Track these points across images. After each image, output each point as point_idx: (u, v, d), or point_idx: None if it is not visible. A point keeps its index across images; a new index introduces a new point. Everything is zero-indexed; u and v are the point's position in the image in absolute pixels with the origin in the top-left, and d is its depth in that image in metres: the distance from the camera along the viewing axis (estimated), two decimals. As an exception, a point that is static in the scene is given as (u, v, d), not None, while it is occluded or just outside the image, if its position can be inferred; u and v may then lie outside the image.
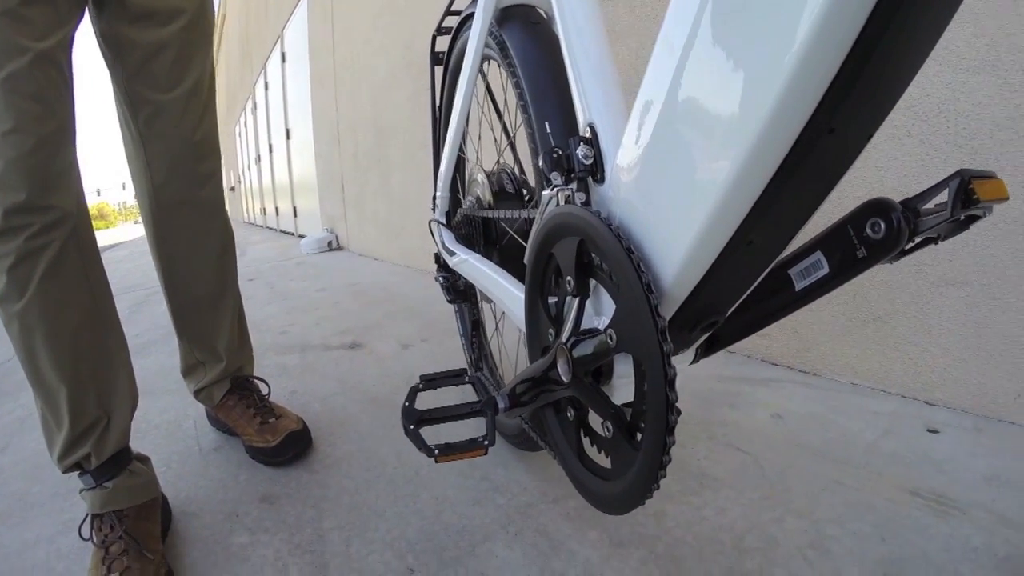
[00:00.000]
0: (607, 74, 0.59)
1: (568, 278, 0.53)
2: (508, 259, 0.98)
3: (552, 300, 0.62)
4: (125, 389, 1.00)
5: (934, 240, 0.43)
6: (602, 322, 0.52)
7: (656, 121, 0.44)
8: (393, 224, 3.64)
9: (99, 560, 0.87)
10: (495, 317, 1.25)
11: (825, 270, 0.44)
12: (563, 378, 0.54)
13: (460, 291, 1.16)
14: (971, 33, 1.08)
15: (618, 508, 0.52)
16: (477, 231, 1.03)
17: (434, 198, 1.15)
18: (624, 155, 0.49)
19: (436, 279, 1.22)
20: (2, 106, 0.78)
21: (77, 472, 0.95)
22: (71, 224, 0.88)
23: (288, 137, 6.08)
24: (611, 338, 0.48)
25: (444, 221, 1.11)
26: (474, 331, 1.18)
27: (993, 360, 1.16)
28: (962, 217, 0.41)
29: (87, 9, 0.93)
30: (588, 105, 0.58)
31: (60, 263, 0.88)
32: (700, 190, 0.41)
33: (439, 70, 1.19)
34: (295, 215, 6.21)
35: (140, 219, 1.15)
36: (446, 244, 1.07)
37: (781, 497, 1.01)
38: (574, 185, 0.54)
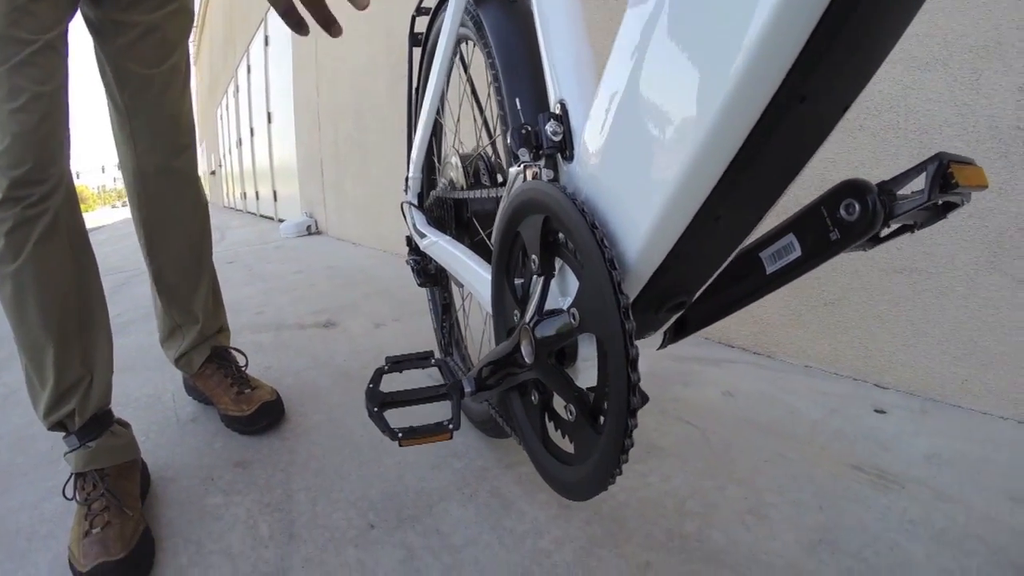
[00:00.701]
0: (580, 50, 0.54)
1: (533, 256, 0.49)
2: (479, 243, 0.94)
3: (519, 282, 0.57)
4: (105, 351, 1.02)
5: (910, 228, 0.40)
6: (566, 302, 0.48)
7: (622, 90, 0.40)
8: (371, 210, 3.57)
9: (81, 516, 0.89)
10: (462, 299, 1.21)
11: (797, 253, 0.41)
12: (526, 360, 0.50)
13: (431, 275, 1.11)
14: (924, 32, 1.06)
15: (580, 494, 0.48)
16: (449, 214, 0.98)
17: (406, 179, 1.09)
18: (591, 128, 0.45)
19: (407, 262, 1.16)
20: (11, 89, 0.83)
21: (62, 434, 0.97)
22: (63, 193, 0.92)
23: (269, 121, 5.91)
24: (574, 317, 0.44)
25: (416, 203, 1.06)
26: (444, 314, 1.14)
27: (940, 346, 1.15)
28: (940, 203, 0.37)
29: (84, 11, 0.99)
30: (559, 81, 0.53)
31: (53, 229, 0.91)
32: (665, 161, 0.37)
33: (417, 52, 1.15)
34: (275, 199, 6.06)
35: (123, 199, 1.11)
36: (417, 226, 1.02)
37: (724, 467, 1.01)
38: (542, 162, 0.49)
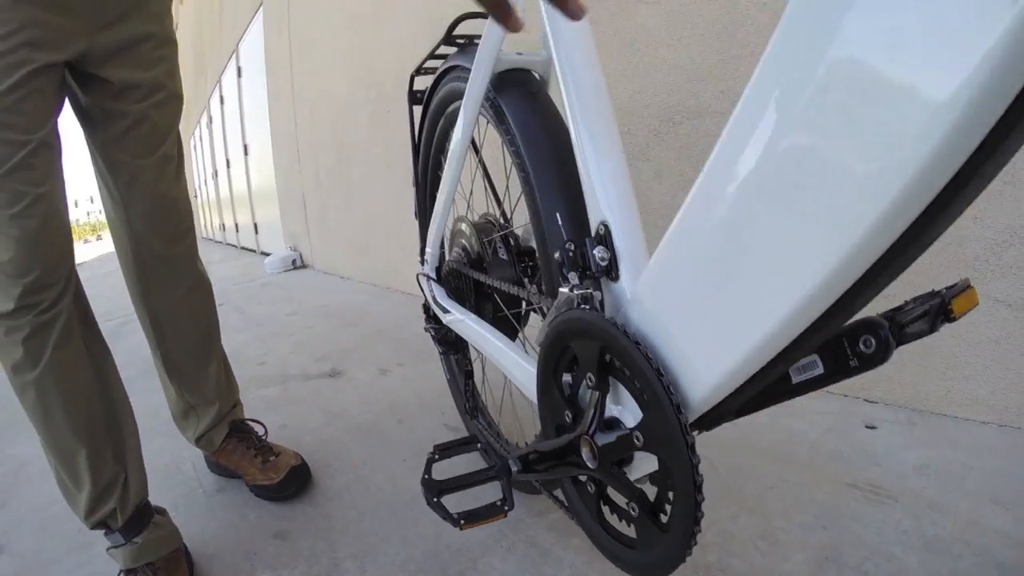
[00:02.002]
0: (619, 170, 0.59)
1: (589, 374, 0.55)
2: (501, 317, 1.00)
3: (565, 378, 0.63)
4: (135, 445, 1.03)
5: None
6: (622, 414, 0.54)
7: (707, 243, 0.43)
8: (358, 243, 3.57)
9: None
10: (482, 364, 1.24)
11: (820, 370, 0.47)
12: (589, 464, 0.55)
13: (451, 342, 1.15)
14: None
15: (648, 575, 0.54)
16: (467, 286, 1.03)
17: (423, 252, 1.13)
18: (658, 270, 0.49)
19: (426, 330, 1.21)
20: (10, 194, 0.81)
21: (103, 531, 0.97)
22: (72, 291, 0.92)
23: (246, 153, 5.86)
24: (638, 439, 0.50)
25: (435, 276, 1.10)
26: (468, 380, 1.18)
27: (925, 360, 1.24)
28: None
29: (70, 88, 0.96)
30: (600, 202, 0.58)
31: (68, 332, 0.91)
32: (754, 318, 0.40)
33: (417, 110, 1.19)
34: (256, 232, 6.00)
35: (97, 233, 1.12)
36: (439, 300, 1.07)
37: (734, 496, 1.08)
38: (589, 283, 0.55)
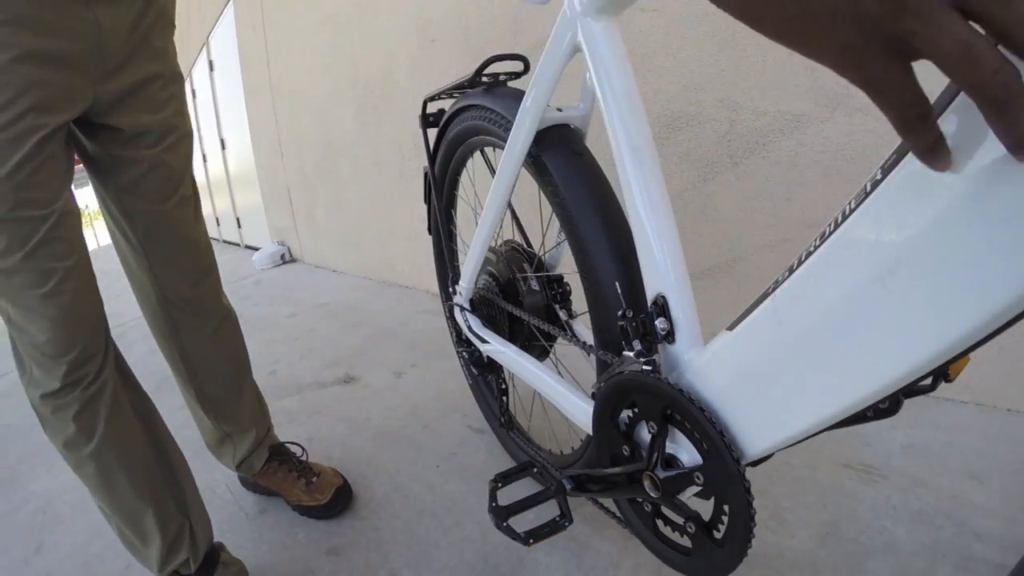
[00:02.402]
0: (672, 241, 0.67)
1: (651, 423, 0.65)
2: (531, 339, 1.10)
3: (622, 415, 0.73)
4: (193, 491, 1.06)
5: None
6: (678, 452, 0.65)
7: (788, 339, 0.51)
8: (349, 238, 3.61)
9: None
10: (512, 382, 1.32)
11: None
12: (652, 494, 0.67)
13: (485, 364, 1.22)
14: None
15: None
16: (502, 315, 1.13)
17: (452, 284, 1.21)
18: (733, 350, 0.57)
19: (460, 354, 1.28)
20: (39, 274, 0.79)
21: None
22: (112, 355, 0.92)
23: (223, 147, 5.78)
24: (698, 480, 0.62)
25: (469, 308, 1.19)
26: (503, 397, 1.26)
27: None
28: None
29: (75, 137, 0.92)
30: (658, 274, 0.67)
31: (116, 399, 0.91)
32: (809, 410, 0.50)
33: (431, 132, 1.25)
34: (239, 226, 5.96)
35: (144, 319, 1.13)
36: (475, 330, 1.15)
37: None
38: (649, 347, 0.66)
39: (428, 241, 1.54)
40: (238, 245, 6.11)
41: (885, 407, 0.54)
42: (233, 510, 1.36)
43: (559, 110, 0.88)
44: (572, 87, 0.93)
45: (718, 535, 0.65)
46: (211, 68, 5.52)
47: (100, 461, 0.90)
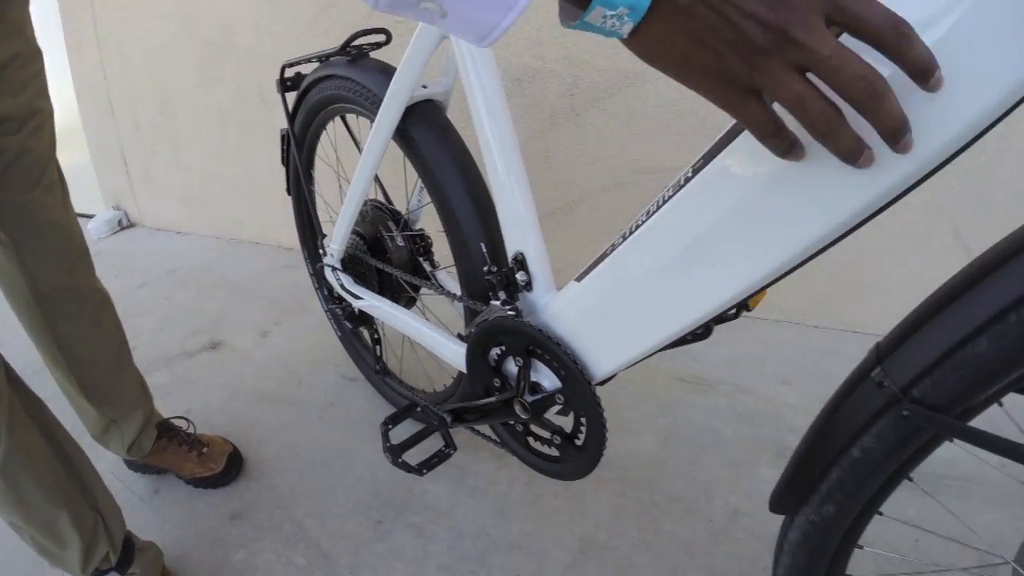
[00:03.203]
0: (528, 206, 0.79)
1: (517, 358, 0.78)
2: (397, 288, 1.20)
3: (491, 354, 0.85)
4: (100, 482, 1.04)
5: None
6: (540, 379, 0.80)
7: (628, 283, 0.63)
8: (193, 197, 3.39)
9: None
10: (383, 331, 1.40)
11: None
12: (523, 416, 0.80)
13: (358, 317, 1.30)
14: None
15: (569, 478, 0.84)
16: (371, 272, 1.20)
17: (324, 246, 1.26)
18: (583, 294, 0.70)
19: (332, 310, 1.33)
20: None
21: None
22: (2, 364, 0.89)
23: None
24: (559, 400, 0.76)
25: (341, 267, 1.25)
26: (377, 346, 1.34)
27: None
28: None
29: None
30: (516, 236, 0.79)
31: (13, 409, 0.88)
32: (650, 334, 0.63)
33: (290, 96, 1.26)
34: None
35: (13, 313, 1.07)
36: (348, 288, 1.22)
37: None
38: (512, 296, 0.78)
39: (278, 195, 1.55)
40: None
41: (700, 333, 0.70)
42: (126, 496, 1.33)
43: (424, 87, 0.97)
44: (433, 64, 1.00)
45: (579, 443, 0.81)
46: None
47: (7, 475, 0.87)
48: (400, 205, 1.26)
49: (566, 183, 1.78)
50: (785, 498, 0.64)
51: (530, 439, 0.88)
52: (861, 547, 0.64)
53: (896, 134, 0.37)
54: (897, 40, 0.35)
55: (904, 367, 0.51)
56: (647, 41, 0.40)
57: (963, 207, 1.41)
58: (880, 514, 0.61)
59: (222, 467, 1.29)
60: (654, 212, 0.59)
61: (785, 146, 0.41)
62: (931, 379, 0.49)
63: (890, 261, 1.52)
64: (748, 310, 0.70)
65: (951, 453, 1.23)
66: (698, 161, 0.55)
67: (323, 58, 1.16)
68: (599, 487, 1.20)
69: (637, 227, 0.62)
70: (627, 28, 0.39)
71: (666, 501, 1.17)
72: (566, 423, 0.82)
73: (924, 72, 0.36)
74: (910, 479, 0.58)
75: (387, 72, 0.99)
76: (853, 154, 0.39)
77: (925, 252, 1.48)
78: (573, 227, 1.83)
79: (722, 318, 0.69)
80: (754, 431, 1.30)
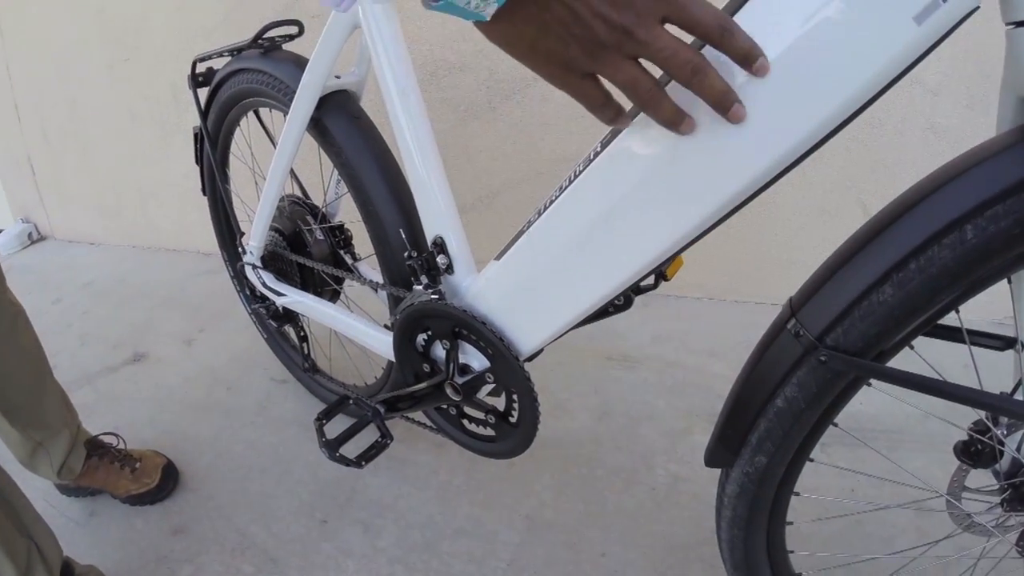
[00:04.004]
0: (444, 190, 0.79)
1: (445, 341, 0.78)
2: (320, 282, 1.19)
3: (418, 340, 0.85)
4: (30, 506, 0.99)
5: None
6: (470, 361, 0.80)
7: (542, 262, 0.65)
8: (106, 205, 3.22)
9: None
10: (310, 329, 1.38)
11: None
12: (455, 399, 0.80)
13: (283, 315, 1.26)
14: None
15: (507, 456, 0.84)
16: (292, 268, 1.18)
17: (244, 244, 1.23)
18: (502, 274, 0.71)
19: (255, 311, 1.30)
20: None
21: None
22: None
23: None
24: (489, 379, 0.77)
25: (261, 265, 1.21)
26: (304, 343, 1.32)
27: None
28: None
29: None
30: (434, 220, 0.79)
31: None
32: (566, 309, 0.65)
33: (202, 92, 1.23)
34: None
35: None
36: (270, 286, 1.19)
37: None
38: (434, 280, 0.78)
39: (194, 199, 1.50)
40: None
41: (621, 303, 0.72)
42: (62, 522, 1.26)
43: (337, 77, 0.95)
44: (347, 53, 0.99)
45: (513, 420, 0.81)
46: None
47: None
48: (317, 199, 1.24)
49: (486, 174, 1.80)
50: (718, 452, 0.66)
51: (465, 421, 0.88)
52: (798, 494, 0.68)
53: (722, 104, 0.43)
54: (721, 34, 0.41)
55: (817, 317, 0.53)
56: (501, 24, 0.44)
57: (869, 182, 1.49)
58: (811, 460, 0.65)
59: (157, 481, 1.25)
60: (566, 187, 0.61)
61: (611, 115, 0.48)
62: (843, 326, 0.51)
63: (802, 235, 1.60)
64: (666, 279, 0.73)
65: (876, 407, 1.35)
66: (606, 136, 0.56)
67: (235, 52, 1.12)
68: (540, 467, 1.22)
69: (551, 203, 0.63)
70: (491, 11, 0.42)
71: (607, 474, 1.19)
72: (499, 402, 0.83)
73: (746, 59, 0.42)
74: (835, 425, 0.61)
75: (300, 64, 0.97)
76: (673, 123, 0.46)
77: (835, 225, 1.56)
78: (494, 217, 1.86)
79: (641, 288, 0.71)
80: (686, 401, 1.35)
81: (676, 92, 0.46)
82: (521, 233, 0.67)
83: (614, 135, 0.55)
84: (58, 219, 3.71)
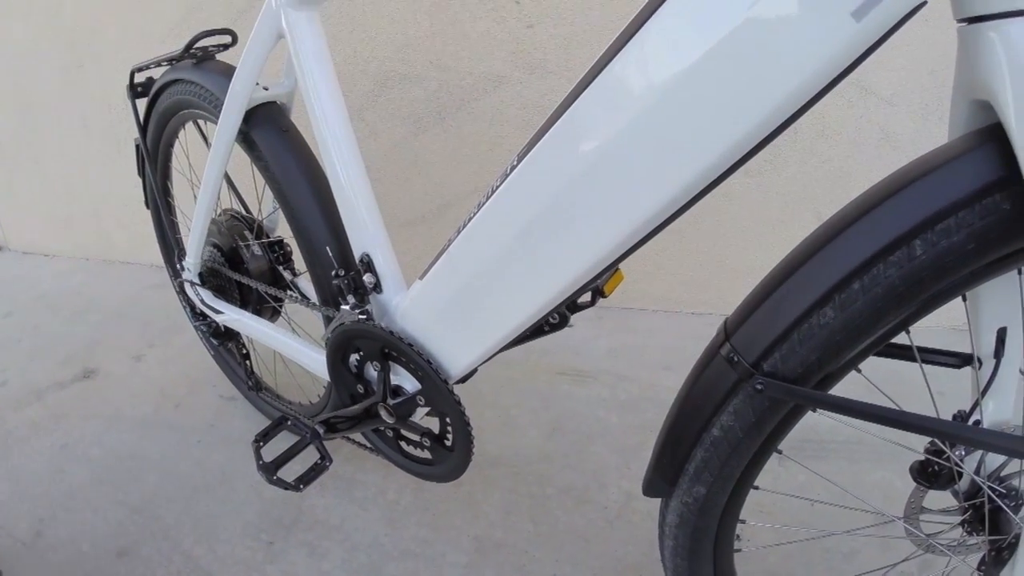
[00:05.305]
0: (371, 207, 0.76)
1: (375, 363, 0.75)
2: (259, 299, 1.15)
3: (351, 360, 0.82)
4: None
5: None
6: (403, 382, 0.77)
7: (468, 279, 0.62)
8: (58, 215, 3.12)
9: None
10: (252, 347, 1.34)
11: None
12: (389, 421, 0.77)
13: (224, 333, 1.23)
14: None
15: (445, 480, 0.81)
16: (231, 284, 1.14)
17: (180, 261, 1.18)
18: (427, 294, 0.68)
19: (198, 328, 1.26)
20: None
21: None
22: None
23: None
24: (420, 401, 0.73)
25: (199, 282, 1.17)
26: (246, 361, 1.28)
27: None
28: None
29: None
30: (362, 237, 0.76)
31: None
32: (495, 328, 0.62)
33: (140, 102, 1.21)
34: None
35: None
36: (208, 303, 1.15)
37: (478, 399, 1.36)
38: (361, 300, 0.75)
39: (146, 210, 1.47)
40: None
41: (556, 322, 0.70)
42: (8, 543, 1.21)
43: (265, 89, 0.92)
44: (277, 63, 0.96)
45: (448, 443, 0.78)
46: None
47: None
48: (258, 213, 1.20)
49: (435, 186, 1.76)
50: (655, 482, 0.63)
51: (402, 443, 0.86)
52: (743, 521, 0.63)
53: None
54: None
55: (753, 341, 0.49)
56: None
57: (824, 192, 1.49)
58: (756, 488, 0.60)
59: None
60: (484, 204, 0.58)
61: None
62: (781, 351, 0.47)
63: (758, 246, 1.59)
64: (604, 296, 0.71)
65: (833, 420, 1.33)
66: (522, 149, 0.54)
67: (171, 61, 1.08)
68: (489, 486, 1.18)
69: (470, 219, 0.60)
70: None
71: (558, 493, 1.16)
72: (435, 425, 0.79)
73: None
74: (779, 452, 0.56)
75: (230, 74, 0.93)
76: None
77: (789, 237, 1.56)
78: (443, 231, 1.81)
79: (577, 306, 0.69)
80: (639, 417, 1.33)
81: (589, 106, 0.44)
82: (443, 251, 0.64)
83: (530, 147, 0.53)
84: (11, 230, 3.60)
